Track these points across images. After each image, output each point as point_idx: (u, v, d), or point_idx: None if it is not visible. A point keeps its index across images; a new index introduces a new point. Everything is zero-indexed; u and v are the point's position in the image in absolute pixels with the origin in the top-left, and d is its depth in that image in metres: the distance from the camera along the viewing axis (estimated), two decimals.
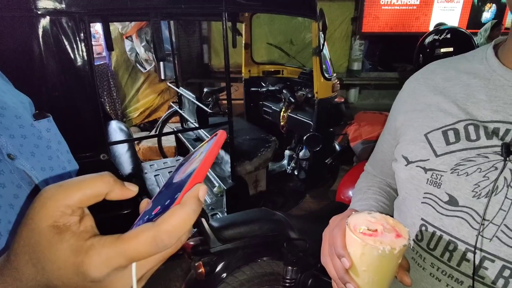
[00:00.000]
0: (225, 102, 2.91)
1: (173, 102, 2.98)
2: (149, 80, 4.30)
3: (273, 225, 1.47)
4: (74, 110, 1.39)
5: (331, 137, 2.49)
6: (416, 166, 0.51)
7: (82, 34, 1.35)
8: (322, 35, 2.07)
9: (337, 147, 2.70)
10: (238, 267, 1.39)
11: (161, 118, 3.30)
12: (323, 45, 2.13)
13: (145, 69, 4.11)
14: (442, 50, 1.42)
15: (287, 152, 2.80)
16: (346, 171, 2.61)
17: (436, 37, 1.48)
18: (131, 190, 0.30)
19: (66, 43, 1.33)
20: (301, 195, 2.65)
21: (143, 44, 3.95)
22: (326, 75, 2.20)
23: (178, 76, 2.90)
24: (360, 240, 0.42)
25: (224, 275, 1.37)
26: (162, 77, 3.81)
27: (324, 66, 2.20)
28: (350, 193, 1.72)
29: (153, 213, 0.28)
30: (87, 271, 0.25)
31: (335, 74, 2.38)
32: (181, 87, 2.65)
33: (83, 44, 1.34)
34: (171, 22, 3.53)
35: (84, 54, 1.37)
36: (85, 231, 0.26)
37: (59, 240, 0.25)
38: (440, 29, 1.52)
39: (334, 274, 0.48)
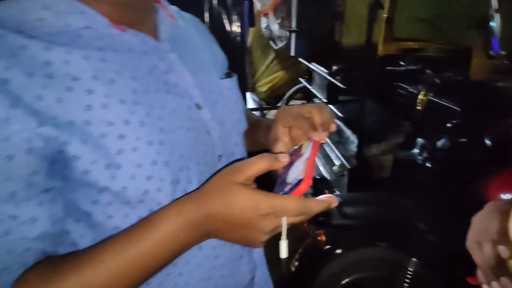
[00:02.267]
0: (356, 80, 2.79)
1: (302, 78, 3.04)
2: (280, 56, 4.48)
3: (400, 212, 1.38)
4: None
5: (483, 128, 2.09)
6: None
7: (238, 9, 1.51)
8: (494, 1, 1.70)
9: (488, 142, 2.25)
10: (356, 246, 1.38)
11: (288, 93, 3.43)
12: (492, 15, 1.75)
13: (277, 45, 4.29)
14: None
15: (420, 140, 2.50)
16: (495, 171, 2.16)
17: None
18: (284, 161, 0.45)
19: (224, 17, 1.52)
20: (431, 190, 2.35)
21: (278, 21, 4.10)
22: (491, 53, 1.82)
23: (309, 51, 2.92)
24: None
25: (340, 250, 1.38)
26: (293, 53, 3.90)
27: (489, 42, 1.82)
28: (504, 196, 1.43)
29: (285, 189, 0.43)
30: (261, 206, 0.40)
31: (504, 53, 1.94)
32: (312, 63, 2.67)
33: (239, 18, 1.50)
34: None
35: (238, 28, 1.53)
36: (254, 185, 0.43)
37: (246, 190, 0.41)
38: None
39: (483, 263, 0.44)
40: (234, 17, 1.53)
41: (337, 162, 2.25)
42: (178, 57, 0.52)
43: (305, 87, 2.76)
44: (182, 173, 0.47)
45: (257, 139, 0.69)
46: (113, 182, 0.41)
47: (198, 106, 0.52)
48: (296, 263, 1.37)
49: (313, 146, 0.49)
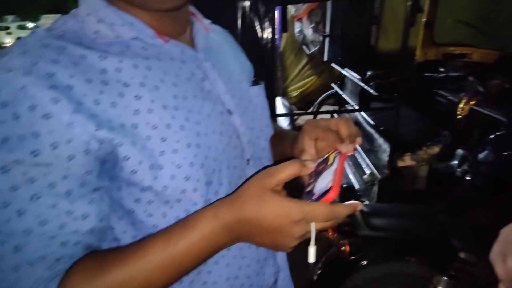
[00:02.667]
0: (390, 86, 2.69)
1: (334, 84, 3.00)
2: (312, 61, 4.45)
3: (433, 227, 1.31)
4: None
5: None
6: None
7: (269, 15, 1.52)
8: None
9: None
10: (383, 259, 1.33)
11: (320, 98, 3.39)
12: None
13: (310, 50, 4.27)
14: None
15: (459, 151, 2.35)
16: None
17: None
18: (310, 167, 0.47)
19: (256, 23, 1.54)
20: (472, 204, 2.20)
21: (312, 25, 4.09)
22: None
23: (342, 57, 2.87)
24: None
25: (365, 262, 1.33)
26: (326, 58, 3.86)
27: None
28: None
29: (313, 198, 0.45)
30: (292, 212, 0.41)
31: None
32: (346, 68, 2.62)
33: (270, 24, 1.52)
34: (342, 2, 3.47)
35: (269, 34, 1.55)
36: (284, 192, 0.44)
37: (277, 196, 0.42)
38: None
39: (505, 275, 0.42)
40: (266, 24, 1.55)
41: (367, 171, 2.18)
42: (211, 65, 0.55)
43: (337, 93, 2.71)
44: (214, 175, 0.49)
45: (282, 149, 0.70)
46: (156, 182, 0.44)
47: (230, 112, 0.55)
48: (319, 271, 1.34)
49: (340, 158, 0.50)
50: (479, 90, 2.12)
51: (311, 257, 0.43)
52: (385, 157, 1.92)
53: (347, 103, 2.50)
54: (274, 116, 1.82)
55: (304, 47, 4.34)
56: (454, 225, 1.30)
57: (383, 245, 1.32)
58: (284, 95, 4.69)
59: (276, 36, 4.52)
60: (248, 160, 0.58)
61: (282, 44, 4.55)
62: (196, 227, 0.43)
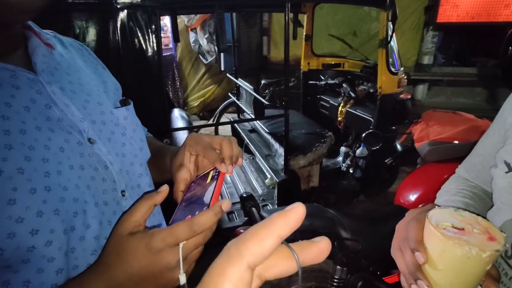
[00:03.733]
0: (282, 94, 2.90)
1: (231, 93, 3.06)
2: (210, 71, 4.47)
3: (325, 222, 1.43)
4: (143, 97, 1.51)
5: (392, 135, 2.33)
6: None
7: (153, 26, 1.44)
8: (391, 26, 1.93)
9: (398, 146, 2.52)
10: None
11: (219, 108, 3.42)
12: (391, 36, 1.98)
13: (207, 60, 4.28)
14: None
15: (343, 149, 2.69)
16: (407, 173, 2.43)
17: None
18: (164, 190, 0.44)
19: (139, 34, 1.44)
20: (355, 194, 2.54)
21: (206, 36, 4.11)
22: (393, 69, 2.05)
23: (237, 67, 2.96)
24: (441, 236, 0.38)
25: None
26: (222, 68, 3.93)
27: (390, 59, 2.05)
28: (411, 197, 1.60)
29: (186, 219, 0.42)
30: (152, 245, 0.38)
31: (402, 68, 2.21)
32: (239, 78, 2.70)
33: (154, 35, 1.44)
34: (234, 14, 3.59)
35: (154, 45, 1.47)
36: (147, 229, 0.41)
37: (134, 236, 0.39)
38: None
39: (404, 269, 0.45)
40: (150, 34, 1.47)
41: (268, 175, 2.29)
42: (60, 89, 0.46)
43: (235, 101, 2.79)
44: (77, 219, 0.42)
45: (163, 165, 0.65)
46: None
47: (91, 141, 0.47)
48: None
49: (220, 177, 0.49)
50: (352, 95, 2.46)
51: (182, 282, 0.40)
52: (281, 161, 2.04)
53: (245, 111, 2.58)
54: (170, 130, 1.73)
55: (200, 57, 4.33)
56: (340, 217, 1.45)
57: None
58: (185, 105, 4.58)
59: (170, 46, 4.43)
60: (122, 191, 0.51)
61: (178, 54, 4.44)
62: None
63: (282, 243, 0.22)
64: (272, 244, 0.20)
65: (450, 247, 0.37)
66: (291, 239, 0.22)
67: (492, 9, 4.38)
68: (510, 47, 1.39)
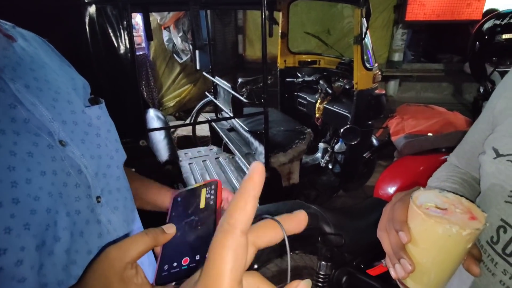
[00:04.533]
0: (259, 92, 2.89)
1: (208, 92, 3.01)
2: (185, 70, 4.38)
3: (308, 218, 1.43)
4: (116, 97, 1.44)
5: (369, 130, 2.38)
6: (507, 160, 0.46)
7: (124, 23, 1.38)
8: (365, 23, 1.96)
9: (375, 141, 2.58)
10: (270, 258, 1.38)
11: (196, 108, 3.35)
12: (366, 33, 2.02)
13: (182, 59, 4.19)
14: (504, 36, 1.28)
15: (321, 145, 2.72)
16: (384, 166, 2.49)
17: (497, 22, 1.33)
18: (170, 233, 0.39)
19: (110, 31, 1.37)
20: (335, 189, 2.58)
21: (180, 34, 4.01)
22: (367, 65, 2.09)
23: (213, 66, 2.91)
24: (424, 214, 0.38)
25: (256, 266, 1.36)
26: (198, 67, 3.86)
27: (365, 56, 2.09)
28: (390, 189, 1.63)
29: (183, 263, 0.36)
30: None
31: (376, 64, 2.26)
32: (216, 77, 2.66)
33: (125, 32, 1.37)
34: (208, 12, 3.54)
35: (127, 42, 1.40)
36: (144, 283, 0.37)
37: (126, 283, 0.35)
38: (502, 13, 1.37)
39: (389, 249, 0.46)
40: (122, 32, 1.40)
41: None
42: (24, 86, 0.42)
43: (212, 100, 2.74)
44: (48, 232, 0.38)
45: (145, 197, 0.64)
46: None
47: (62, 143, 0.43)
48: None
49: (218, 201, 0.44)
50: (329, 92, 2.49)
51: None
52: (261, 159, 2.02)
53: (223, 110, 2.54)
54: (146, 131, 1.67)
55: (175, 56, 4.23)
56: (323, 213, 1.45)
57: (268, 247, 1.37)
58: (160, 106, 4.46)
59: (143, 45, 4.29)
60: (98, 197, 0.47)
61: (151, 53, 4.31)
62: None
63: (268, 217, 0.26)
64: (252, 205, 0.23)
65: (431, 225, 0.38)
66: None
67: (455, 8, 4.61)
68: (477, 42, 1.45)
